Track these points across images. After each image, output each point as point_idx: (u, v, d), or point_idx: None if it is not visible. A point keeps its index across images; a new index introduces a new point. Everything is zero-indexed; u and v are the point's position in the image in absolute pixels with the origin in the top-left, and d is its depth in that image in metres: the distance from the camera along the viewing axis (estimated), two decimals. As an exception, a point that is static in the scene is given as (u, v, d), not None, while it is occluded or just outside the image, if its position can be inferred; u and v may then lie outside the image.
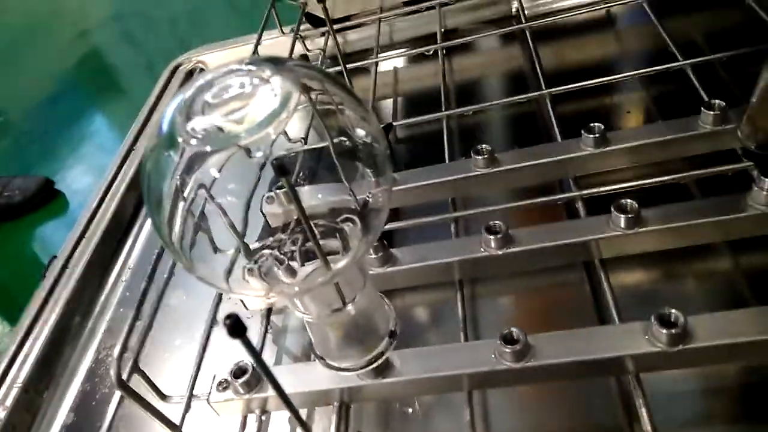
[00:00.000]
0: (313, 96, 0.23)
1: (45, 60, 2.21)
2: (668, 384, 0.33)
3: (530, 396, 0.35)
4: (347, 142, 0.24)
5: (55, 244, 1.17)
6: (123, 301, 0.51)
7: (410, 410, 0.36)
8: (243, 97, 0.22)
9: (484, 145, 0.43)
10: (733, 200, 0.35)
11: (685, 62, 0.48)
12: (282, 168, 0.19)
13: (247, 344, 0.19)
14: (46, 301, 0.50)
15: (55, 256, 0.56)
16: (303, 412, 0.37)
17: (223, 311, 0.41)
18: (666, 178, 0.40)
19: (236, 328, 0.18)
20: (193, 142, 0.21)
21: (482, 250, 0.37)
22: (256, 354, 0.20)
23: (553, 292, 0.40)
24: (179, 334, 0.46)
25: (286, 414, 0.37)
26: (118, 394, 0.44)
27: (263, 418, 0.35)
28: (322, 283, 0.25)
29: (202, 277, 0.24)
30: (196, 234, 0.23)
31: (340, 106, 0.24)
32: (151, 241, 0.56)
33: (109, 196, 0.60)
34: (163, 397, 0.37)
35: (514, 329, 0.31)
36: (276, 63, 0.23)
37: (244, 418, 0.36)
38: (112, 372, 0.29)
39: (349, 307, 0.28)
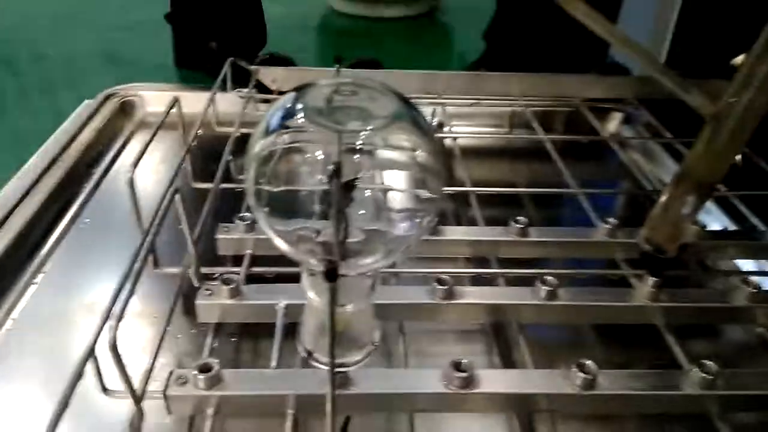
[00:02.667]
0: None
1: None
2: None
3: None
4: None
5: None
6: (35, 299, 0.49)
7: None
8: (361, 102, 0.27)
9: (430, 217, 0.50)
10: (624, 292, 0.45)
11: (579, 191, 0.60)
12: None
13: (333, 292, 0.23)
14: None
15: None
16: (253, 425, 0.38)
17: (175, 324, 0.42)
18: (569, 271, 0.50)
19: (332, 274, 0.22)
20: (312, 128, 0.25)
21: (429, 298, 0.43)
22: (333, 302, 0.23)
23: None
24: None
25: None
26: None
27: (215, 417, 0.36)
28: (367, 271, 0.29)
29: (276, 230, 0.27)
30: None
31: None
32: (72, 243, 0.55)
33: (24, 203, 0.58)
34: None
35: (464, 359, 0.37)
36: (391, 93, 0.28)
37: (191, 419, 0.37)
38: (110, 336, 0.29)
39: (349, 307, 0.31)
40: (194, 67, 1.23)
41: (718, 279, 0.53)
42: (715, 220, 0.61)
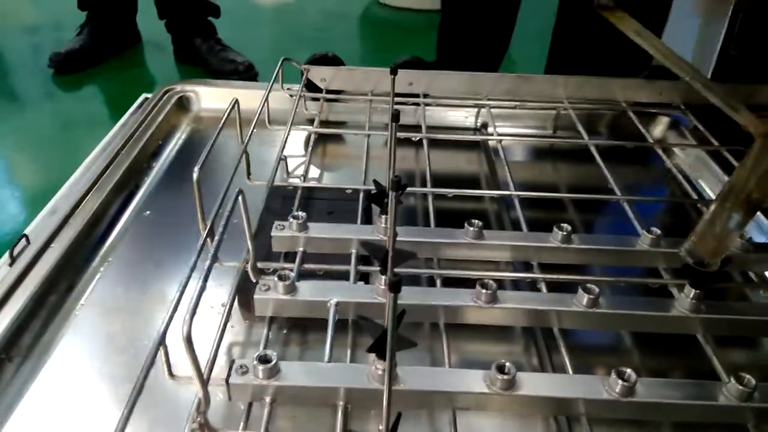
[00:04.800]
0: None
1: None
2: None
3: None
4: None
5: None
6: (101, 286, 0.53)
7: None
8: None
9: (475, 220, 0.52)
10: (665, 302, 0.46)
11: (623, 197, 0.61)
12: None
13: (395, 301, 0.25)
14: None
15: (25, 235, 0.56)
16: (304, 413, 0.41)
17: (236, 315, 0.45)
18: (611, 279, 0.51)
19: (396, 285, 0.24)
20: None
21: (473, 301, 0.45)
22: (394, 312, 0.25)
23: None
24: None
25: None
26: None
27: (272, 405, 0.39)
28: None
29: None
30: None
31: None
32: (135, 234, 0.58)
33: (91, 194, 0.61)
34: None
35: (507, 363, 0.39)
36: None
37: (250, 405, 0.39)
38: (185, 328, 0.32)
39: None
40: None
41: (762, 292, 0.53)
42: (761, 233, 0.61)
